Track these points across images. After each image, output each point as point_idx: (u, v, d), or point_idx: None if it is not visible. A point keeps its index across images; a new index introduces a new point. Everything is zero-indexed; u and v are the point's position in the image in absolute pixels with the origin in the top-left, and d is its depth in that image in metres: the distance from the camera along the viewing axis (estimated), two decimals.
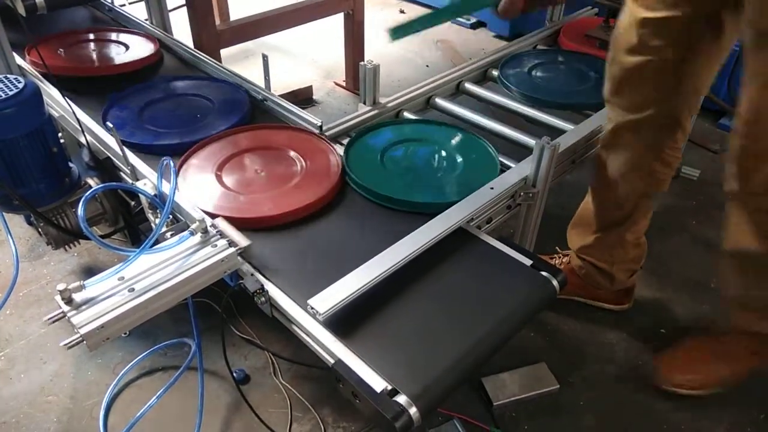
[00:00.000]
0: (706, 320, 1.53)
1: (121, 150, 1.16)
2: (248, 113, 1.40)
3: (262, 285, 0.95)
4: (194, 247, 0.95)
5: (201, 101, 1.45)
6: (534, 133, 1.30)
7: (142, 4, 1.95)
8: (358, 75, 1.43)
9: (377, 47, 2.94)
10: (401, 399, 0.79)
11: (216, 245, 0.95)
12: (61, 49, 1.61)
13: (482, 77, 1.69)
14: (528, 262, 1.02)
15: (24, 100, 1.14)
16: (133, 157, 1.20)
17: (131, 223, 1.39)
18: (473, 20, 3.20)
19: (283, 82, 2.62)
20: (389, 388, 0.80)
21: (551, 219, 1.43)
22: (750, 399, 1.35)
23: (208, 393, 1.33)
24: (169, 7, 1.93)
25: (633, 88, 1.18)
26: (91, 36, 1.72)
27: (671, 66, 1.12)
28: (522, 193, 1.17)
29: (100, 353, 1.43)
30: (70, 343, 0.81)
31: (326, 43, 2.95)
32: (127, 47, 1.67)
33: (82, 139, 1.31)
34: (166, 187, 1.05)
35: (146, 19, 1.91)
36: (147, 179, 1.15)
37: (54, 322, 0.84)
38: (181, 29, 1.99)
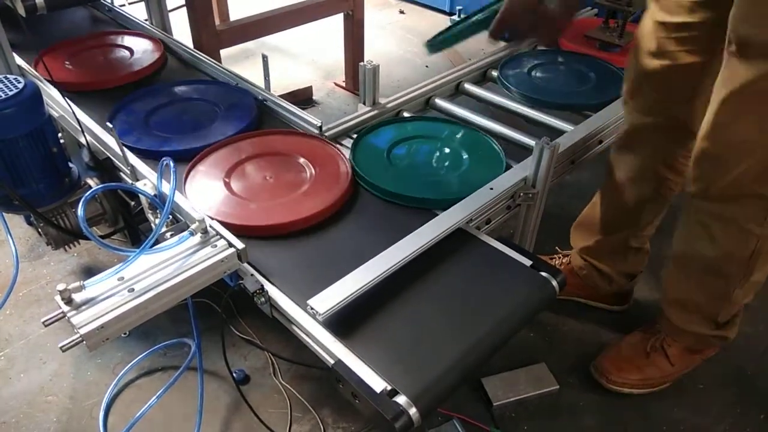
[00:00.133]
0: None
1: (121, 150, 1.16)
2: (256, 118, 1.39)
3: (262, 285, 0.94)
4: (194, 247, 0.95)
5: (207, 106, 1.43)
6: (534, 134, 1.30)
7: (142, 5, 1.94)
8: (357, 75, 1.43)
9: (377, 47, 2.95)
10: (401, 399, 0.79)
11: (216, 245, 0.95)
12: (67, 62, 1.59)
13: (482, 78, 1.69)
14: (528, 262, 1.02)
15: (24, 100, 1.13)
16: (132, 158, 1.19)
17: (131, 223, 1.39)
18: None
19: (282, 82, 2.62)
20: (389, 388, 0.80)
21: (551, 219, 1.43)
22: (750, 399, 1.36)
23: (208, 393, 1.33)
24: (169, 8, 1.92)
25: (650, 91, 1.18)
26: (95, 43, 1.70)
27: (689, 71, 1.11)
28: (521, 194, 1.16)
29: (99, 353, 1.43)
30: (68, 344, 0.81)
31: (326, 44, 2.95)
32: (132, 52, 1.66)
33: (82, 140, 1.31)
34: (165, 188, 1.05)
35: (146, 20, 1.90)
36: (147, 179, 1.15)
37: (53, 323, 0.84)
38: (181, 29, 1.99)
